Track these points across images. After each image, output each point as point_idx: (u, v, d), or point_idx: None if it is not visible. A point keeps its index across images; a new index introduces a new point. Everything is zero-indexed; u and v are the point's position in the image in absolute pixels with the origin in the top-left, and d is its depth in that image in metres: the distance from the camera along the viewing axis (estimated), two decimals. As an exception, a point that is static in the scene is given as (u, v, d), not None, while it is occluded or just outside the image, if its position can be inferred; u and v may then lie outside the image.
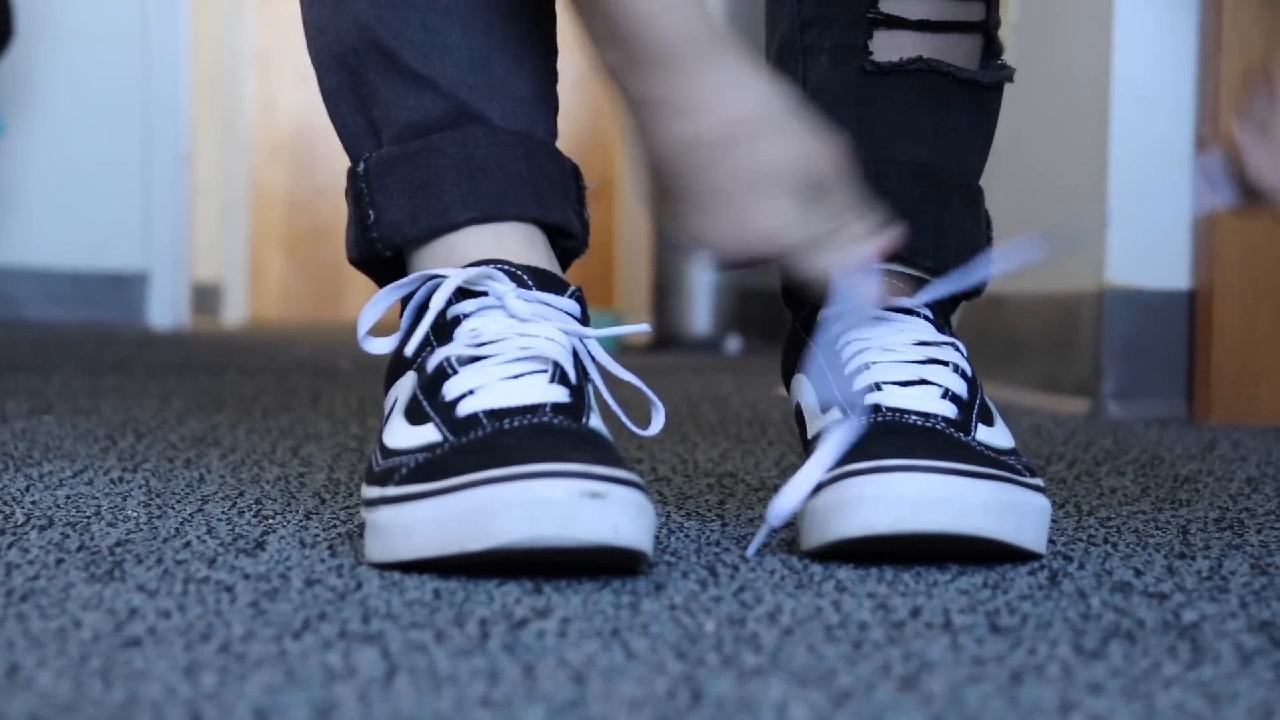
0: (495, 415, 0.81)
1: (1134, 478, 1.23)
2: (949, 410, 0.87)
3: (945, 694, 0.58)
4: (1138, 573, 0.82)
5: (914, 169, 0.96)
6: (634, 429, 0.90)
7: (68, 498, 1.00)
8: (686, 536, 0.91)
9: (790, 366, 0.98)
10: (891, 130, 0.97)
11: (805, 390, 0.94)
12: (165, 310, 3.71)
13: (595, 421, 0.83)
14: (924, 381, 0.88)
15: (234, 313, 5.11)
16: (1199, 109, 1.84)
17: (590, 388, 0.86)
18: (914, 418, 0.86)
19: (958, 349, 0.91)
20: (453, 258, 0.88)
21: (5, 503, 0.97)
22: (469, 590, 0.74)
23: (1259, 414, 1.78)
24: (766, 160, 0.83)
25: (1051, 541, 0.91)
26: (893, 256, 0.92)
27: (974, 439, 0.86)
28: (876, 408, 0.87)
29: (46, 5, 3.60)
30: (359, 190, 0.92)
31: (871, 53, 0.97)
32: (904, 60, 0.96)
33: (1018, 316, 2.14)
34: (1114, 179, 1.86)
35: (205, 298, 4.81)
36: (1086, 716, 0.56)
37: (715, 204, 0.83)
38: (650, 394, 0.89)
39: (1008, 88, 1.02)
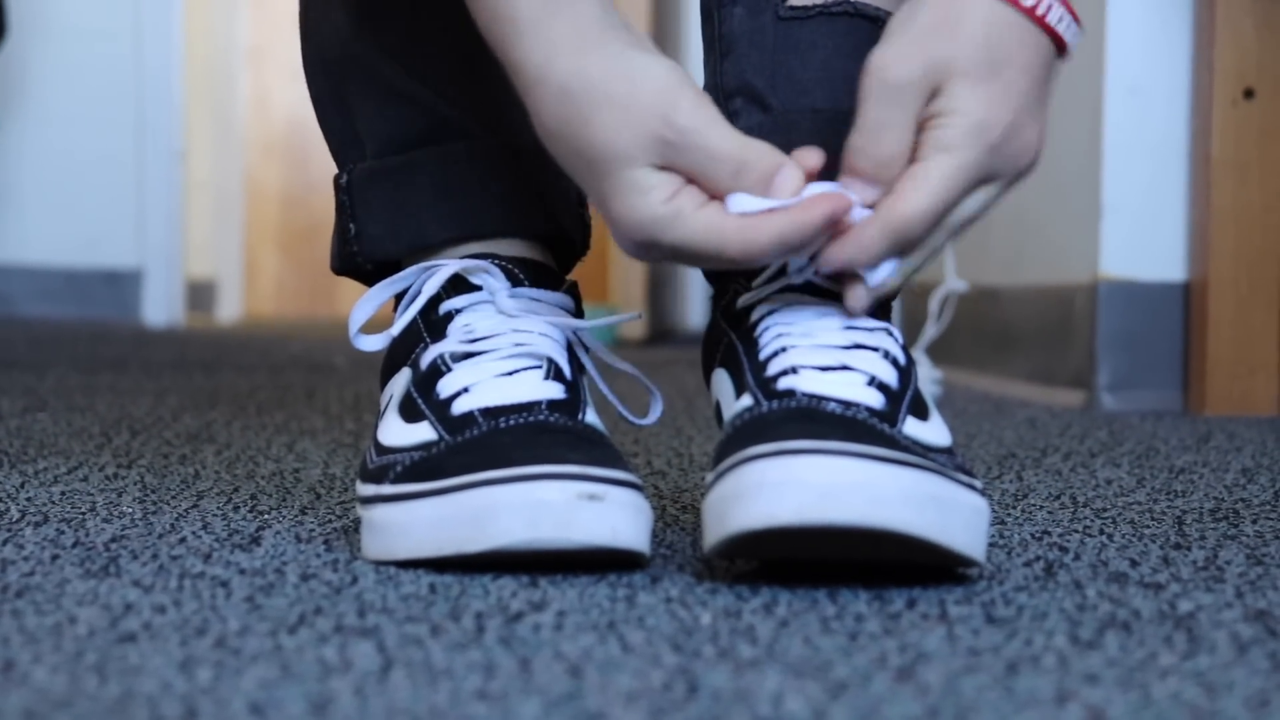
0: (490, 413, 0.80)
1: (1129, 469, 1.23)
2: (874, 399, 0.77)
3: (941, 685, 0.58)
4: (1133, 563, 0.82)
5: (830, 116, 0.85)
6: (632, 419, 0.89)
7: (63, 494, 1.00)
8: (682, 530, 0.91)
9: (710, 361, 0.88)
10: (813, 78, 0.86)
11: (724, 385, 0.84)
12: (159, 307, 3.71)
13: (591, 416, 0.83)
14: (847, 368, 0.78)
15: (228, 309, 5.11)
16: (1192, 101, 1.84)
17: (585, 382, 0.86)
18: (832, 405, 0.76)
19: (891, 334, 0.81)
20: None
21: (0, 499, 0.97)
22: (464, 584, 0.74)
23: (1254, 405, 1.78)
24: (602, 139, 0.75)
25: (1047, 533, 0.91)
26: None
27: (899, 431, 0.76)
28: (790, 392, 0.77)
29: (40, 2, 3.60)
30: (341, 202, 0.92)
31: None
32: (826, 3, 0.87)
33: (1012, 309, 2.14)
34: (1107, 171, 1.86)
35: (199, 294, 4.81)
36: (1083, 707, 0.56)
37: (589, 196, 0.78)
38: (647, 383, 0.89)
39: None
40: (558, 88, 0.75)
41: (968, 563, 0.75)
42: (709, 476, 0.76)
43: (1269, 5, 1.78)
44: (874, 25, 0.86)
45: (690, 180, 0.76)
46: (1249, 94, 1.78)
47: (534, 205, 0.89)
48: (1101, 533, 0.92)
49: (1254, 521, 0.98)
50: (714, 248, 0.75)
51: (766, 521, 0.71)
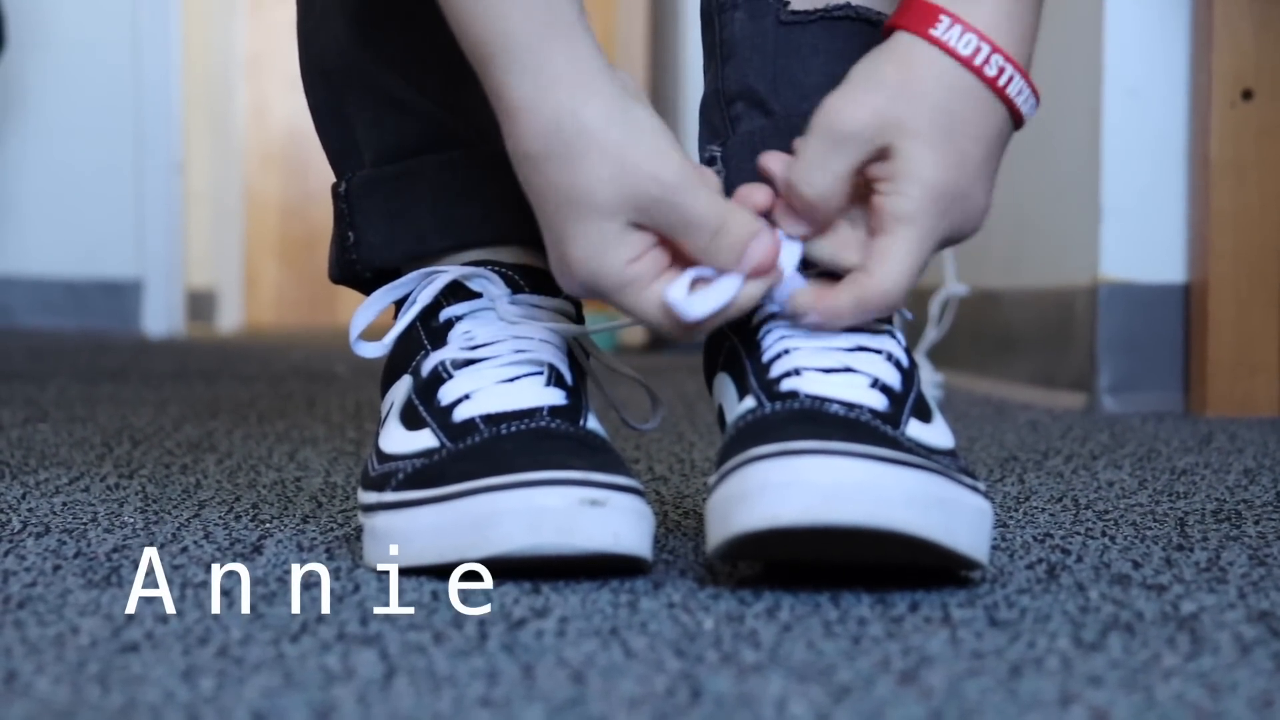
0: (492, 420, 0.80)
1: (1131, 471, 1.23)
2: (877, 401, 0.77)
3: (945, 688, 0.58)
4: (1136, 565, 0.82)
5: None
6: (633, 424, 0.89)
7: (64, 504, 1.00)
8: (684, 535, 0.91)
9: (712, 366, 0.87)
10: (815, 83, 0.85)
11: (726, 389, 0.84)
12: (160, 317, 3.71)
13: (593, 423, 0.83)
14: (850, 370, 0.78)
15: (228, 319, 5.11)
16: (1191, 102, 1.84)
17: (587, 387, 0.86)
18: (835, 406, 0.76)
19: (894, 337, 0.81)
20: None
21: (2, 510, 0.97)
22: (467, 591, 0.74)
23: (1255, 406, 1.78)
24: (581, 184, 0.74)
25: (1050, 535, 0.91)
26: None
27: (903, 433, 0.76)
28: (793, 394, 0.77)
29: (38, 14, 3.60)
30: (340, 210, 0.92)
31: (789, 2, 0.87)
32: (828, 7, 0.86)
33: (1013, 312, 2.14)
34: (1106, 173, 1.86)
35: (200, 304, 4.81)
36: (1086, 709, 0.56)
37: (544, 224, 0.77)
38: (649, 388, 0.89)
39: None
40: (550, 122, 0.74)
41: (971, 564, 0.75)
42: (712, 479, 0.76)
43: (1267, 7, 1.78)
44: (875, 30, 0.86)
45: (661, 239, 0.76)
46: (1247, 95, 1.78)
47: (533, 212, 0.89)
48: (1104, 535, 0.92)
49: (1256, 522, 0.98)
50: (654, 322, 0.76)
51: (770, 522, 0.71)
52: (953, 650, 0.64)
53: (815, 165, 0.77)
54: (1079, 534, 0.92)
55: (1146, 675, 0.60)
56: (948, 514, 0.72)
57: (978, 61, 0.77)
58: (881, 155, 0.77)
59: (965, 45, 0.77)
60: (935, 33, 0.77)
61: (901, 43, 0.78)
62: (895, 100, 0.76)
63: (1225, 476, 1.20)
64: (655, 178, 0.74)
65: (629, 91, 0.76)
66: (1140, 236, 1.86)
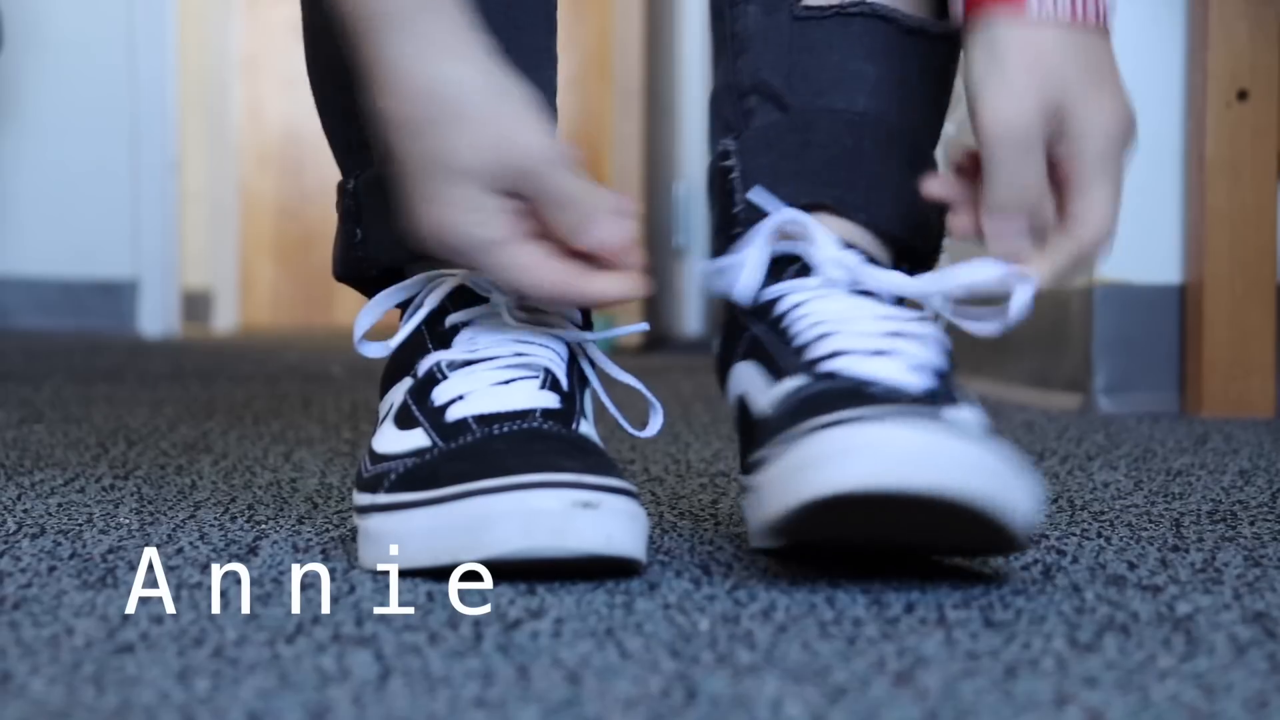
0: (484, 421, 0.80)
1: (1126, 472, 1.23)
2: (923, 382, 0.78)
3: (940, 689, 0.58)
4: (1131, 566, 0.82)
5: (848, 118, 0.87)
6: (631, 430, 0.89)
7: (59, 505, 1.00)
8: (680, 536, 0.91)
9: (729, 356, 0.88)
10: (830, 79, 0.87)
11: (751, 376, 0.84)
12: (155, 318, 3.71)
13: (586, 427, 0.83)
14: (892, 353, 0.79)
15: (224, 320, 5.11)
16: (1186, 103, 1.84)
17: (588, 392, 0.86)
18: (878, 389, 0.76)
19: (929, 322, 0.83)
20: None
21: (-3, 511, 0.97)
22: (462, 592, 0.74)
23: (1250, 407, 1.78)
24: (451, 148, 0.77)
25: (1045, 536, 0.91)
26: (819, 206, 0.86)
27: (951, 412, 0.76)
28: (838, 374, 0.77)
29: (33, 14, 3.60)
30: (348, 207, 0.91)
31: None
32: (843, 3, 0.88)
33: (1008, 313, 2.14)
34: (1103, 174, 1.86)
35: (195, 305, 4.81)
36: (1081, 709, 0.56)
37: (409, 185, 0.79)
38: (649, 395, 0.88)
39: None
40: (423, 89, 0.77)
41: (1016, 546, 0.75)
42: (756, 455, 0.77)
43: (1263, 7, 1.78)
44: (889, 25, 0.88)
45: (526, 208, 0.78)
46: (1243, 96, 1.78)
47: None
48: (1099, 535, 0.92)
49: (1251, 523, 0.98)
50: (513, 283, 0.79)
51: (835, 488, 0.70)
52: (948, 651, 0.64)
53: (1021, 174, 0.80)
54: (1074, 535, 0.92)
55: (1142, 676, 0.60)
56: (1014, 491, 0.72)
57: (1079, 17, 0.82)
58: (1054, 137, 0.81)
59: (1063, 9, 0.81)
60: (1034, 11, 0.81)
61: (1010, 39, 0.81)
62: (1041, 79, 0.80)
63: (1221, 477, 1.20)
64: (527, 150, 0.77)
65: (498, 63, 0.78)
66: (1135, 237, 1.86)
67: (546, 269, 0.78)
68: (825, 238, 0.84)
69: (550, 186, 0.77)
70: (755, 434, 0.81)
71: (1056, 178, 0.82)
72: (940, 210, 0.86)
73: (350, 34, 0.79)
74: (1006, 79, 0.80)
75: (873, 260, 0.85)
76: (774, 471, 0.74)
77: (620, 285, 0.79)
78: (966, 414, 0.77)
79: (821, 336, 0.80)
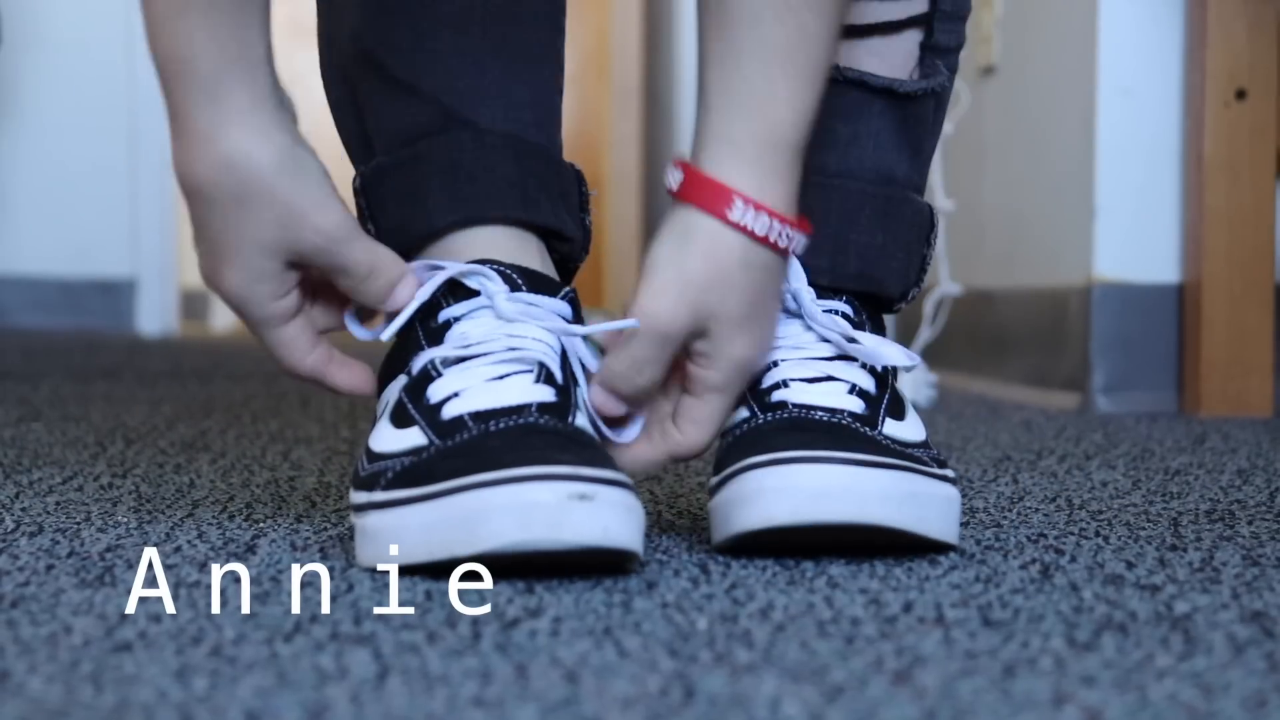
0: (480, 417, 0.81)
1: (1125, 471, 1.23)
2: (855, 405, 0.87)
3: (938, 688, 0.58)
4: (1129, 565, 0.82)
5: (813, 182, 0.89)
6: (609, 435, 0.88)
7: (58, 504, 1.00)
8: (678, 535, 0.91)
9: None
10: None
11: None
12: (153, 316, 3.71)
13: (582, 421, 0.83)
14: (831, 378, 0.88)
15: (222, 318, 5.10)
16: (1185, 102, 1.84)
17: (580, 388, 0.86)
18: (819, 413, 0.86)
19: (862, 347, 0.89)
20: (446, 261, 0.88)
21: (-5, 510, 0.97)
22: (461, 591, 0.74)
23: (1248, 406, 1.78)
24: (242, 221, 0.80)
25: (1043, 535, 0.91)
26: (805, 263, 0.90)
27: (880, 433, 0.86)
28: (782, 404, 0.87)
29: (31, 12, 3.60)
30: (359, 204, 0.92)
31: None
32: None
33: (1007, 312, 2.14)
34: (1100, 173, 1.86)
35: (193, 304, 4.81)
36: (1080, 709, 0.56)
37: (201, 244, 0.82)
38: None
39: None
40: (224, 157, 0.79)
41: (944, 547, 0.85)
42: (712, 480, 0.86)
43: (1260, 6, 1.78)
44: (873, 95, 0.92)
45: (312, 276, 0.83)
46: (1241, 95, 1.78)
47: (538, 195, 0.89)
48: (1097, 535, 0.92)
49: (1249, 522, 0.98)
50: (278, 358, 0.85)
51: (766, 522, 0.81)
52: (946, 650, 0.64)
53: (645, 362, 0.84)
54: (1073, 534, 0.92)
55: (1140, 675, 0.60)
56: (919, 506, 0.82)
57: (772, 239, 0.82)
58: (695, 336, 0.84)
59: (760, 226, 0.82)
60: (733, 217, 0.82)
61: (702, 229, 0.82)
62: (708, 293, 0.82)
63: (1219, 477, 1.20)
64: (318, 228, 0.81)
65: (297, 137, 0.81)
66: (1134, 236, 1.86)
67: (303, 355, 0.85)
68: None
69: (340, 261, 0.82)
70: (716, 457, 0.88)
71: (682, 363, 0.85)
72: (919, 254, 0.94)
73: (159, 74, 0.81)
74: (682, 272, 0.82)
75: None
76: (716, 502, 0.84)
77: (362, 381, 0.86)
78: (898, 427, 0.87)
79: (772, 365, 0.88)
